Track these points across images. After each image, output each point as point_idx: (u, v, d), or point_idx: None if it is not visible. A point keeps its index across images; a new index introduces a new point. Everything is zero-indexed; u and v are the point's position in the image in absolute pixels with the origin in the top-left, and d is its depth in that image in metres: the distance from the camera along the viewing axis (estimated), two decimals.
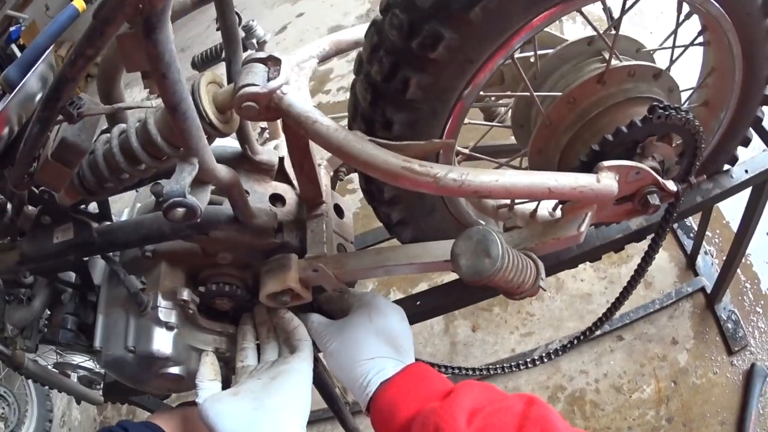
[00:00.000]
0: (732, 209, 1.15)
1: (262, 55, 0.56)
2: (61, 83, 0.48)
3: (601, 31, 0.56)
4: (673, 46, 0.59)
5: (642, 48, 0.60)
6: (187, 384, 0.74)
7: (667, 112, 0.53)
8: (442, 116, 0.53)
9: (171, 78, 0.46)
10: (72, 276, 0.85)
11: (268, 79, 0.54)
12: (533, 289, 0.54)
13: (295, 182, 0.66)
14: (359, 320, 0.59)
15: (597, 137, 0.55)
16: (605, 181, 0.53)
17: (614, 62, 0.55)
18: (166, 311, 0.69)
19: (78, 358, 1.14)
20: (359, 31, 0.63)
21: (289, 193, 0.66)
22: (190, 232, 0.64)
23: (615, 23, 0.55)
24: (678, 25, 0.59)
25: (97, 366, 1.16)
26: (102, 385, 1.02)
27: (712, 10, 0.55)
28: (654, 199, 0.56)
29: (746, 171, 0.69)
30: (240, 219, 0.61)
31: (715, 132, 0.64)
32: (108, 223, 0.73)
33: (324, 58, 0.60)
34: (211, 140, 0.60)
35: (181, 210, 0.49)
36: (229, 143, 0.74)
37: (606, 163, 0.53)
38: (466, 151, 0.57)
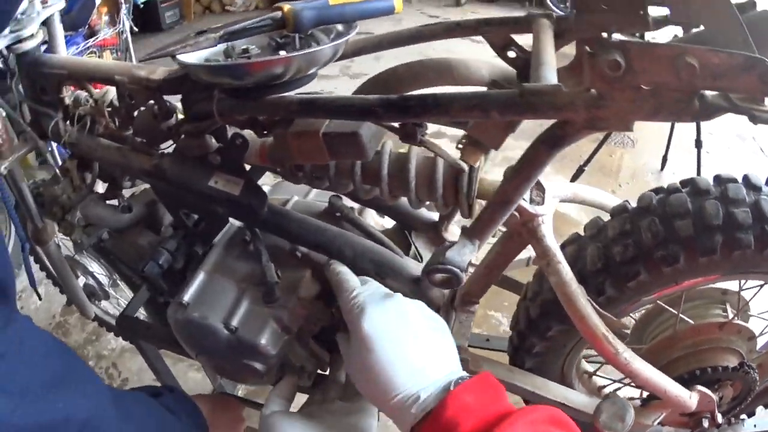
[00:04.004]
0: None
1: None
2: (426, 109, 0.47)
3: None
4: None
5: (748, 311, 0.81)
6: (254, 378, 0.73)
7: (749, 371, 0.74)
8: (630, 304, 0.67)
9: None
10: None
11: (531, 200, 0.64)
12: None
13: None
14: None
15: (698, 365, 0.74)
16: (693, 399, 0.71)
17: (732, 318, 0.74)
18: (293, 317, 0.69)
19: (95, 266, 1.04)
20: (599, 196, 0.75)
21: None
22: (370, 270, 0.66)
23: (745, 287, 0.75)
24: None
25: (108, 285, 1.07)
26: (117, 317, 0.95)
27: None
28: (705, 423, 0.75)
29: (755, 426, 0.89)
30: (420, 284, 0.67)
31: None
32: (279, 206, 0.72)
33: (563, 201, 0.71)
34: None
35: (446, 276, 0.55)
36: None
37: (700, 388, 0.72)
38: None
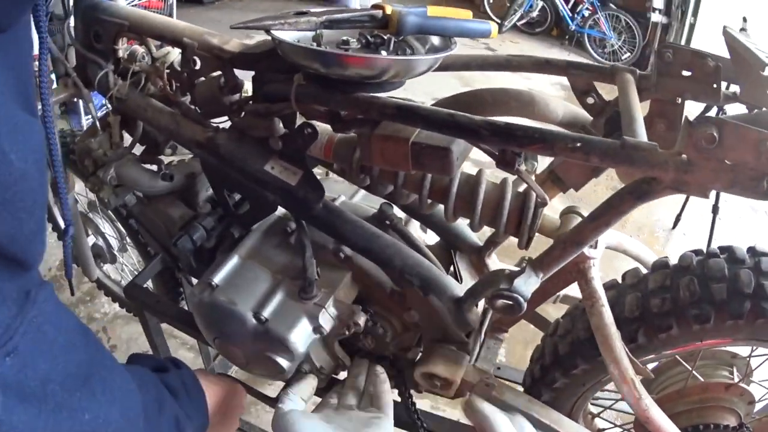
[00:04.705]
0: None
1: (583, 213, 0.70)
2: (532, 141, 0.50)
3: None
4: None
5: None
6: (271, 372, 0.74)
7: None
8: (653, 354, 0.73)
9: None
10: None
11: None
12: None
13: None
14: None
15: (701, 420, 0.80)
16: None
17: (739, 381, 0.81)
18: (327, 318, 0.71)
19: (108, 228, 1.01)
20: (639, 248, 0.81)
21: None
22: (415, 286, 0.68)
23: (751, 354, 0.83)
24: None
25: (117, 249, 1.04)
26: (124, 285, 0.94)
27: None
28: None
29: None
30: (462, 305, 0.70)
31: None
32: (334, 204, 0.73)
33: (608, 248, 0.76)
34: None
35: (508, 303, 0.58)
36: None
37: None
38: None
